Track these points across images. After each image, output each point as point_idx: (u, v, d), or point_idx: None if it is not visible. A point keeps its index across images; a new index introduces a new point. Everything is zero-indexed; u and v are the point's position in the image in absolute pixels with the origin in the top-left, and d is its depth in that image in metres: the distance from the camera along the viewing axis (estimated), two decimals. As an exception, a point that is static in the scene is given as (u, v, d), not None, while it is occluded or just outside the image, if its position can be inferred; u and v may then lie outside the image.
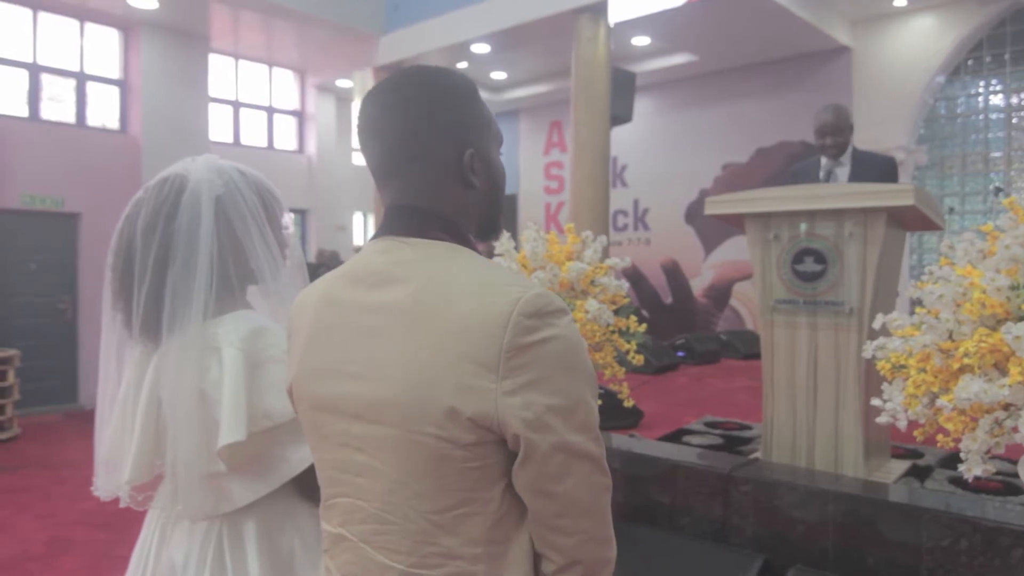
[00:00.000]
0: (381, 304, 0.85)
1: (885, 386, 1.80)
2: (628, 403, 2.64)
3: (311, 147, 10.89)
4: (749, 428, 3.89)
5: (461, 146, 0.90)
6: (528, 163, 12.73)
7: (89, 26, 8.24)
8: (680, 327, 10.23)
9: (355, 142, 11.71)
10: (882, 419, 1.76)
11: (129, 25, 8.43)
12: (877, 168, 3.51)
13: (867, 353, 1.86)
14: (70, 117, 8.16)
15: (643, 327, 2.62)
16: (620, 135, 9.47)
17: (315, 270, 8.73)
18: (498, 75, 10.90)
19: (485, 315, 0.78)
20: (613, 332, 2.61)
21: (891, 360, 1.76)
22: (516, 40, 8.47)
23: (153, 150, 8.30)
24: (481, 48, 8.68)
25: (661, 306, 11.08)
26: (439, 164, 0.89)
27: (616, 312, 2.62)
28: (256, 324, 1.27)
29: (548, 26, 7.69)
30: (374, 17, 8.93)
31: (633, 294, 11.29)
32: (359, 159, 11.45)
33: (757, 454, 3.12)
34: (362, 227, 11.67)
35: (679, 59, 9.63)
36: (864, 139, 8.49)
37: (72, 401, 7.69)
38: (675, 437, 3.71)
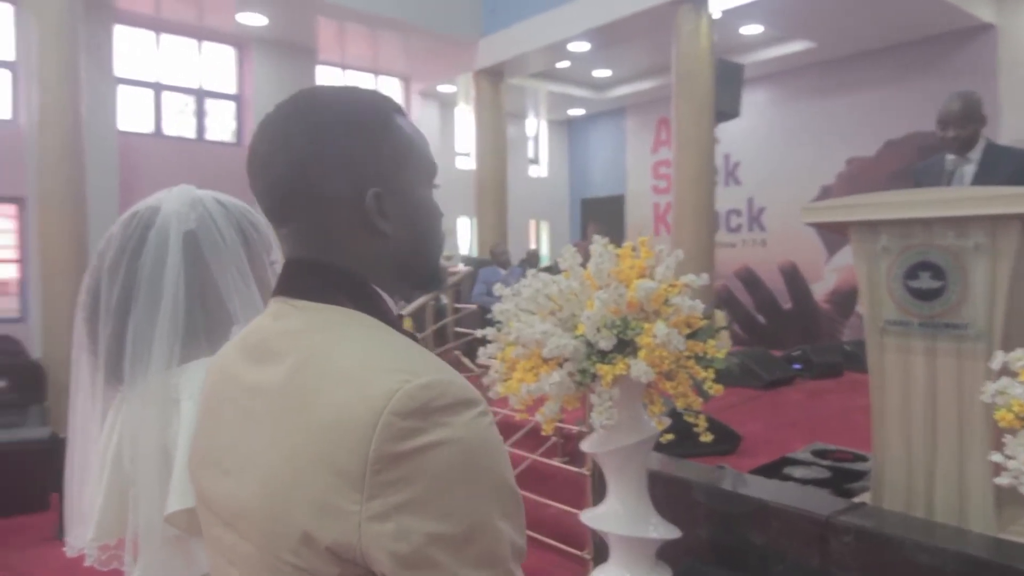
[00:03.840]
0: (258, 384, 0.71)
1: (1008, 439, 1.44)
2: (705, 437, 2.35)
3: (416, 153, 11.02)
4: (864, 459, 3.45)
5: (361, 185, 0.72)
6: (635, 162, 12.35)
7: (207, 45, 8.68)
8: (801, 335, 9.54)
9: (459, 146, 11.83)
10: (1001, 480, 1.41)
11: (243, 42, 8.82)
12: (1012, 165, 3.00)
13: (986, 397, 1.50)
14: (190, 132, 8.63)
15: (722, 353, 2.31)
16: (732, 130, 8.95)
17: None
18: (601, 73, 10.60)
19: (351, 411, 0.60)
20: (688, 358, 2.33)
21: (1013, 409, 1.41)
22: (616, 36, 8.15)
23: (264, 161, 8.62)
24: (580, 46, 8.43)
25: (779, 312, 10.40)
26: (334, 208, 0.73)
27: (692, 336, 2.33)
28: None
29: (648, 19, 7.33)
30: (472, 22, 8.89)
31: (748, 299, 10.68)
32: (463, 163, 11.48)
33: (867, 495, 2.73)
34: (468, 232, 11.69)
35: (795, 47, 8.97)
36: (1012, 129, 7.56)
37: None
38: (775, 468, 3.34)
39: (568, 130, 13.56)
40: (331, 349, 0.67)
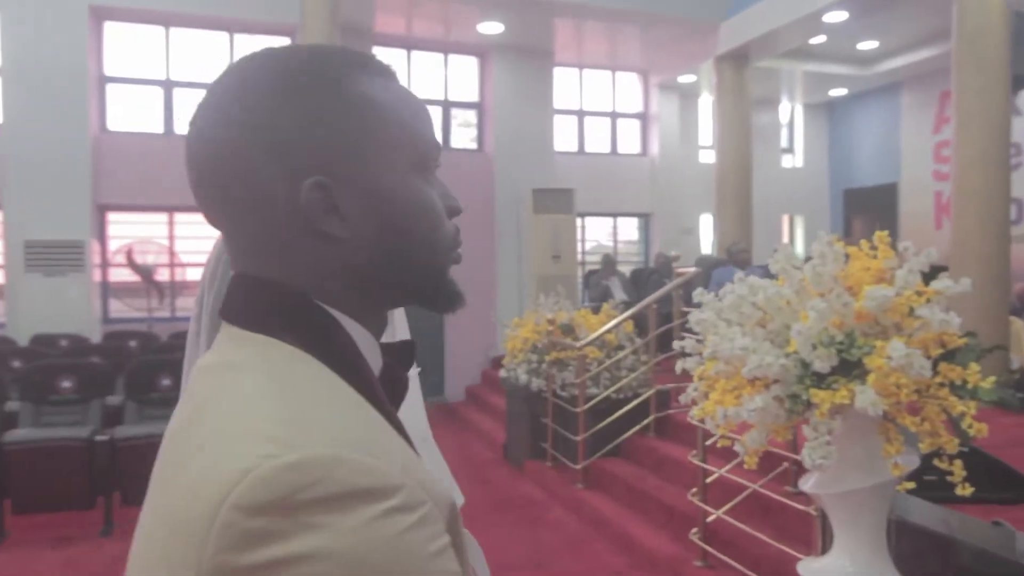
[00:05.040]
0: (168, 432, 0.56)
1: None
2: (963, 491, 1.81)
3: (654, 148, 10.65)
4: None
5: (298, 173, 0.53)
6: (912, 145, 10.76)
7: (452, 57, 9.16)
8: None
9: (701, 140, 11.21)
10: None
11: (484, 51, 9.17)
12: None
13: None
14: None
15: (990, 381, 1.77)
16: (1038, 99, 7.37)
17: (648, 276, 8.45)
18: (867, 45, 9.35)
19: (192, 497, 0.44)
20: (941, 386, 1.82)
21: None
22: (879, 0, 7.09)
23: (503, 164, 8.94)
24: (837, 16, 7.45)
25: (1106, 319, 8.38)
26: (267, 205, 0.54)
27: (945, 358, 1.82)
28: None
29: (921, -25, 6.27)
30: (713, 4, 8.34)
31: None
32: (705, 157, 10.87)
33: None
34: (710, 230, 11.06)
35: None
36: None
37: (439, 394, 8.68)
38: (1080, 529, 2.56)
39: (828, 113, 12.23)
40: (218, 399, 0.50)
